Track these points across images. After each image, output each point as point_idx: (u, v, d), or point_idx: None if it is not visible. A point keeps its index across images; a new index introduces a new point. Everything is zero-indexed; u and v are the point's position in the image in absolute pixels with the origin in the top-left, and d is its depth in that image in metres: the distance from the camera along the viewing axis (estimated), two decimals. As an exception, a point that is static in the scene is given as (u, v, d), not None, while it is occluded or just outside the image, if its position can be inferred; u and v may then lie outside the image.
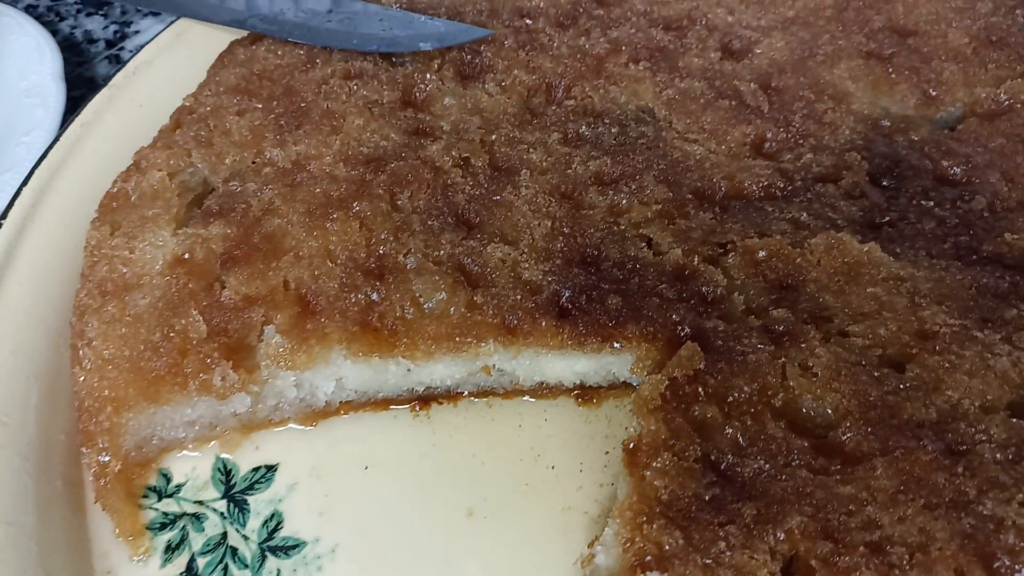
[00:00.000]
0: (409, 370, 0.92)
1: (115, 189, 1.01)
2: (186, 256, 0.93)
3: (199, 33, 1.23)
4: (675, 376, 0.82)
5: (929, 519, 0.73)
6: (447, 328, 0.87)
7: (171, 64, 1.20)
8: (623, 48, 1.12)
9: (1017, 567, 0.71)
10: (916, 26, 1.16)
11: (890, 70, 1.11)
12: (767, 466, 0.77)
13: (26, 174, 1.04)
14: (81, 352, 0.90)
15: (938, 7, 1.17)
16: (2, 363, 0.93)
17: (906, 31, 1.16)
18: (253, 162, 1.02)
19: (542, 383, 0.96)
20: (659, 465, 0.76)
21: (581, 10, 1.19)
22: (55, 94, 1.17)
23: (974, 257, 0.93)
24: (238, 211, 0.96)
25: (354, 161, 1.00)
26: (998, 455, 0.77)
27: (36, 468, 0.89)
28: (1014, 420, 0.80)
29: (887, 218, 0.97)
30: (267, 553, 0.87)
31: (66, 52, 1.32)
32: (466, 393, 0.98)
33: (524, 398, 0.97)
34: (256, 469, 0.93)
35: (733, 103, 1.07)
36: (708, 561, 0.71)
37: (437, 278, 0.89)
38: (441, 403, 0.97)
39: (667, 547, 0.71)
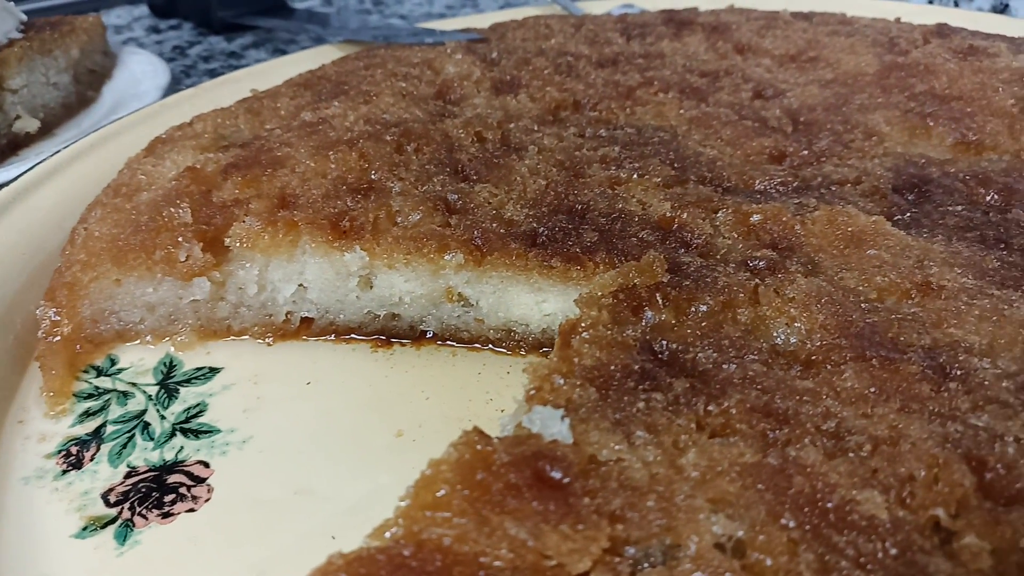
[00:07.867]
0: (370, 282, 0.89)
1: (164, 135, 1.11)
2: (196, 165, 0.98)
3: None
4: (634, 283, 0.75)
5: (903, 419, 0.59)
6: (413, 233, 0.86)
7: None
8: (655, 82, 1.17)
9: (1016, 482, 0.55)
10: (960, 93, 1.14)
11: (928, 121, 1.08)
12: (714, 355, 0.66)
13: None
14: (76, 232, 0.94)
15: (983, 78, 1.16)
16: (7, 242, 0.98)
17: (949, 97, 1.14)
18: (287, 123, 1.09)
19: (510, 331, 0.90)
20: (589, 336, 0.68)
21: (623, 58, 1.26)
22: (152, 96, 1.33)
23: (1002, 245, 0.83)
24: (256, 145, 1.02)
25: (374, 122, 1.05)
26: (1004, 382, 0.63)
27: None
28: (1030, 359, 0.66)
29: (907, 214, 0.90)
30: (177, 432, 0.81)
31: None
32: (430, 335, 0.92)
33: (490, 350, 0.91)
34: (200, 368, 0.89)
35: (756, 124, 1.07)
36: (619, 416, 0.60)
37: (417, 201, 0.89)
38: (404, 344, 0.92)
39: (576, 398, 0.61)
